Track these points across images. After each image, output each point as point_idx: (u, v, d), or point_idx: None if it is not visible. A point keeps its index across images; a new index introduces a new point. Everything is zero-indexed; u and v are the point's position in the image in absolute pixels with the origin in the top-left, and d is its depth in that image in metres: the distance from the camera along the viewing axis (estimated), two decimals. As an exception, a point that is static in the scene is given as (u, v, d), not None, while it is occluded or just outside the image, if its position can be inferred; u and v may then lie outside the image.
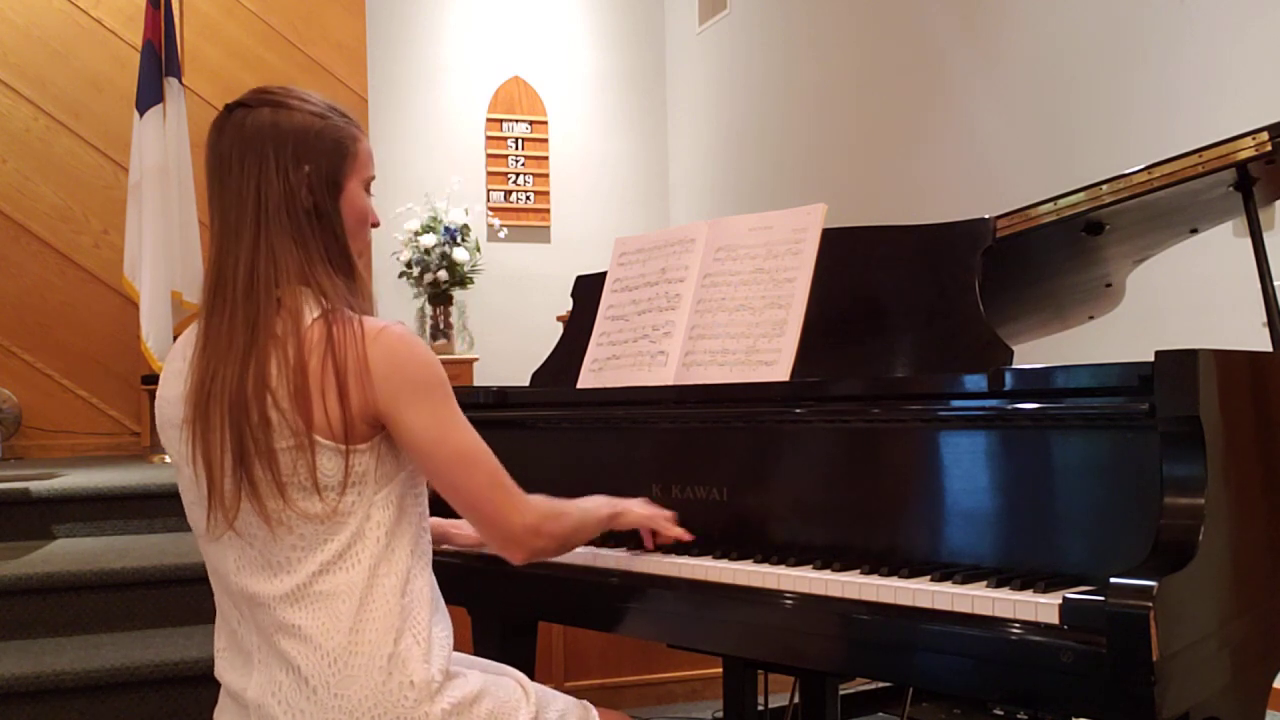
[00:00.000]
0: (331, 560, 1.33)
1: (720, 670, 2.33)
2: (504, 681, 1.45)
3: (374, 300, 1.45)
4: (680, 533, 1.72)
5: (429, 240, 6.26)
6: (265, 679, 1.36)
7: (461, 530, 1.78)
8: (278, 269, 1.34)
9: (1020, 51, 4.41)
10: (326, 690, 1.32)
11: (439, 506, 1.51)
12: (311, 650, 1.32)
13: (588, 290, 2.20)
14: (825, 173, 5.74)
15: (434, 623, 1.38)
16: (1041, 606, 1.27)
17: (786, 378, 1.75)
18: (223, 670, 1.44)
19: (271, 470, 1.31)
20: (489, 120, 7.07)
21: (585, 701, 1.54)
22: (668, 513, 1.74)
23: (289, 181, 1.36)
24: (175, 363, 1.42)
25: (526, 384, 2.24)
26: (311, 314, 1.34)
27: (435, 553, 1.49)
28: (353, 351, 1.31)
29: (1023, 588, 1.34)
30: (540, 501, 1.48)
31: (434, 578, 1.44)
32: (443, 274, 6.27)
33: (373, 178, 1.48)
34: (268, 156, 1.36)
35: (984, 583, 1.37)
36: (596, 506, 1.62)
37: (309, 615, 1.33)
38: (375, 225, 1.50)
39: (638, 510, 1.70)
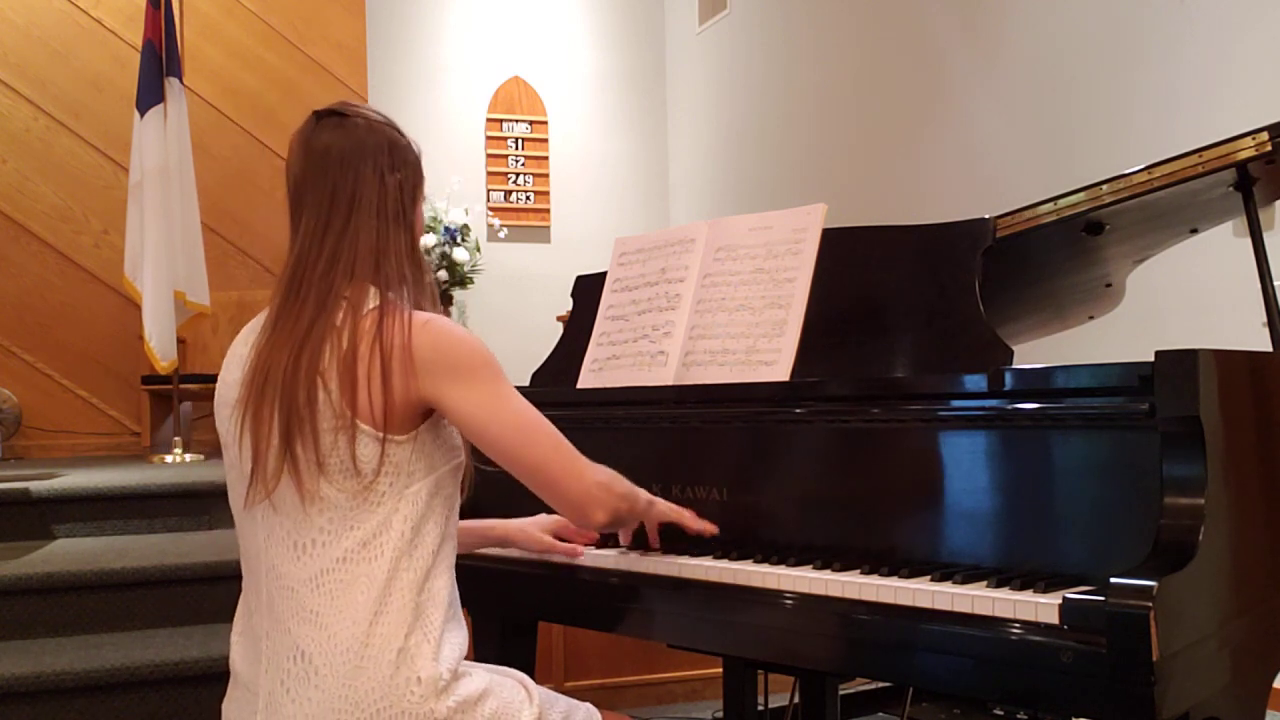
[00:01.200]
0: (355, 548, 1.37)
1: (720, 670, 2.33)
2: (508, 683, 1.46)
3: (437, 299, 1.53)
4: (707, 526, 1.72)
5: (429, 240, 6.26)
6: (274, 666, 1.38)
7: (526, 533, 1.79)
8: (357, 260, 1.43)
9: (1020, 51, 4.41)
10: (335, 679, 1.33)
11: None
12: (325, 638, 1.35)
13: (588, 290, 2.20)
14: (825, 173, 5.74)
15: (447, 627, 1.40)
16: (1041, 606, 1.27)
17: (786, 378, 1.75)
18: (236, 658, 1.46)
19: (315, 449, 1.36)
20: (489, 120, 7.07)
21: (589, 704, 1.55)
22: (690, 512, 1.74)
23: (384, 184, 1.47)
24: (239, 349, 1.48)
25: (526, 384, 2.24)
26: (370, 305, 1.41)
27: None
28: (398, 339, 1.38)
29: (1023, 588, 1.34)
30: (603, 466, 1.52)
31: (455, 586, 1.46)
32: (443, 274, 6.28)
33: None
34: (366, 160, 1.46)
35: (984, 583, 1.37)
36: (638, 490, 1.64)
37: (327, 602, 1.36)
38: None
39: (663, 504, 1.71)
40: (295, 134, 1.50)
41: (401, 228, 1.48)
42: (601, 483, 1.49)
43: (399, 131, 1.52)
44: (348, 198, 1.44)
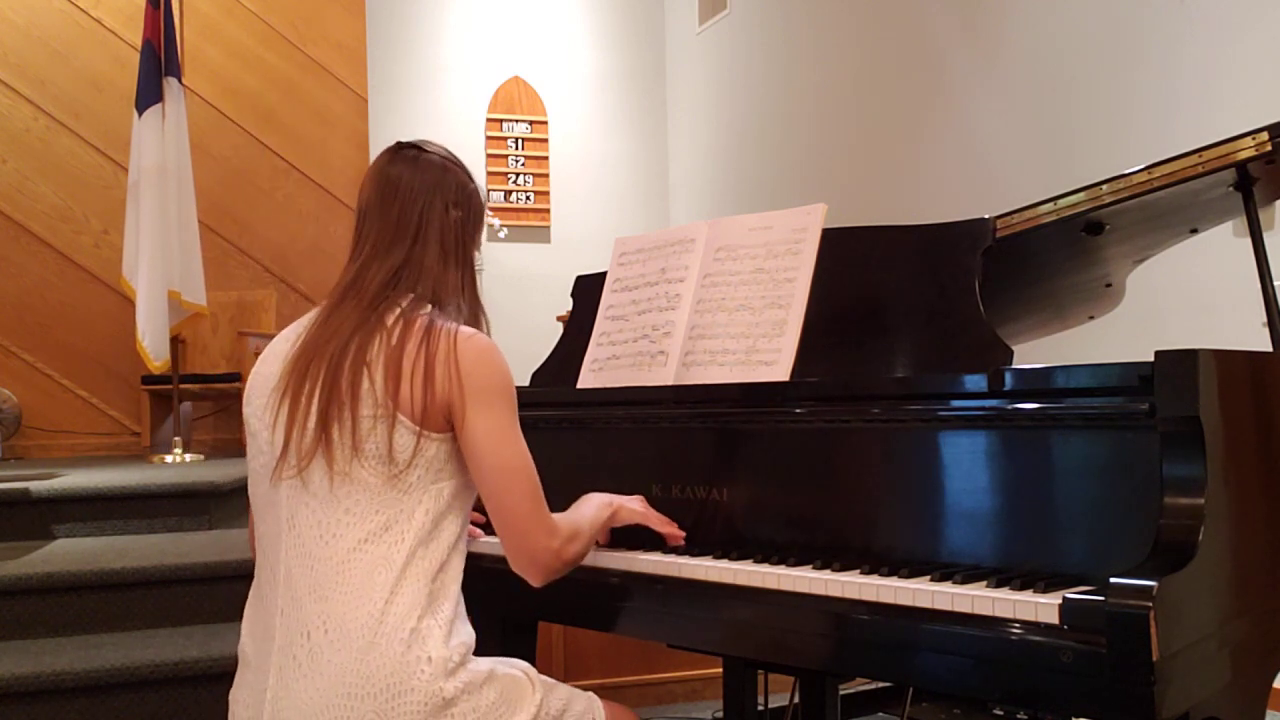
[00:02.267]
0: (377, 531, 1.41)
1: (720, 670, 2.33)
2: (513, 671, 1.50)
3: (489, 333, 1.59)
4: (674, 531, 1.77)
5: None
6: (288, 642, 1.41)
7: (628, 508, 1.81)
8: (419, 281, 1.53)
9: (1020, 51, 4.41)
10: (348, 654, 1.37)
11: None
12: (341, 615, 1.38)
13: (588, 290, 2.20)
14: (825, 173, 5.74)
15: (456, 620, 1.46)
16: (1041, 606, 1.27)
17: (786, 378, 1.75)
18: (245, 641, 1.49)
19: (353, 434, 1.41)
20: (489, 120, 7.07)
21: (590, 693, 1.57)
22: (656, 514, 1.79)
23: (448, 217, 1.58)
24: (280, 345, 1.55)
25: (526, 384, 2.24)
26: (421, 311, 1.50)
27: None
28: (445, 344, 1.45)
29: (1023, 588, 1.33)
30: (560, 521, 1.54)
31: (461, 592, 1.50)
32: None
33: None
34: (436, 192, 1.57)
35: (984, 583, 1.37)
36: (597, 513, 1.68)
37: (346, 580, 1.40)
38: None
39: (631, 506, 1.76)
40: (374, 160, 1.61)
41: (460, 263, 1.59)
42: (555, 550, 1.51)
43: (469, 176, 1.64)
44: (415, 222, 1.54)
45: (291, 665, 1.39)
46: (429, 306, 1.52)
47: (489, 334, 1.57)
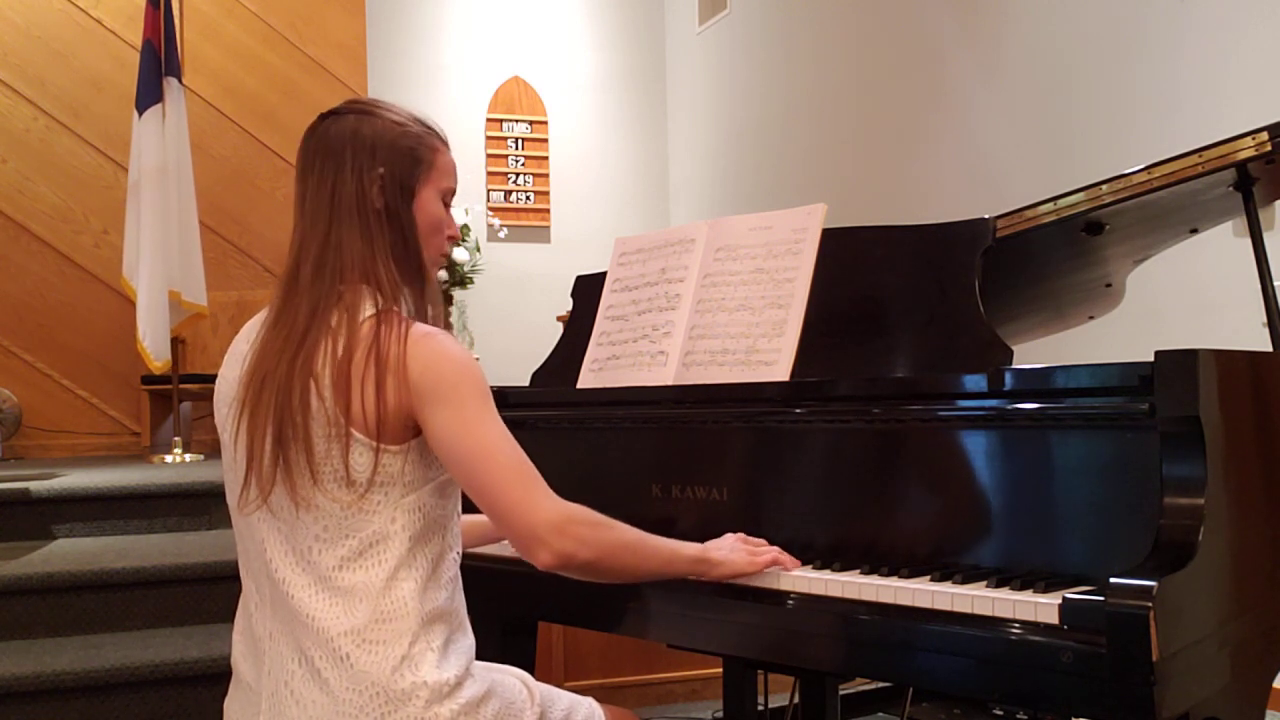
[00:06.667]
0: (351, 556, 1.35)
1: (720, 670, 2.33)
2: (509, 681, 1.47)
3: (441, 308, 1.48)
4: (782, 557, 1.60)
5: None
6: (277, 668, 1.38)
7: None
8: (343, 261, 1.40)
9: (1020, 51, 4.41)
10: (338, 683, 1.33)
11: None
12: (326, 642, 1.34)
13: (588, 290, 2.20)
14: (825, 173, 5.74)
15: (452, 637, 1.40)
16: (1041, 606, 1.27)
17: (786, 378, 1.75)
18: (237, 657, 1.46)
19: (307, 455, 1.34)
20: (489, 120, 7.07)
21: (590, 699, 1.55)
22: (767, 556, 1.57)
23: (361, 182, 1.42)
24: (240, 345, 1.46)
25: (526, 384, 2.24)
26: (367, 312, 1.38)
27: None
28: (394, 349, 1.34)
29: (1022, 588, 1.34)
30: (577, 507, 1.40)
31: (461, 595, 1.45)
32: (443, 274, 6.28)
33: (452, 190, 1.52)
34: (345, 158, 1.42)
35: (984, 583, 1.38)
36: (676, 545, 1.53)
37: (327, 607, 1.35)
38: (453, 239, 1.54)
39: (737, 562, 1.55)
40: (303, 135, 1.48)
41: (389, 227, 1.42)
42: (555, 524, 1.35)
43: (399, 122, 1.45)
44: (328, 199, 1.41)
45: (284, 692, 1.36)
46: (368, 294, 1.39)
47: (444, 321, 1.46)
